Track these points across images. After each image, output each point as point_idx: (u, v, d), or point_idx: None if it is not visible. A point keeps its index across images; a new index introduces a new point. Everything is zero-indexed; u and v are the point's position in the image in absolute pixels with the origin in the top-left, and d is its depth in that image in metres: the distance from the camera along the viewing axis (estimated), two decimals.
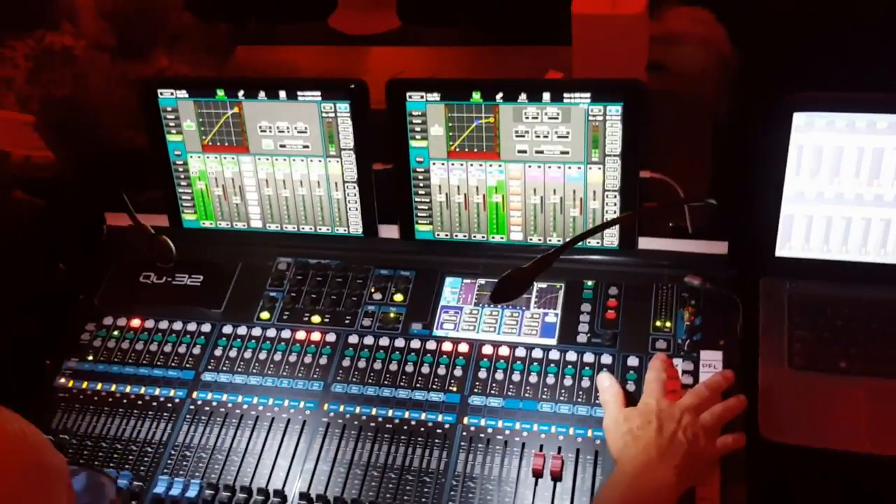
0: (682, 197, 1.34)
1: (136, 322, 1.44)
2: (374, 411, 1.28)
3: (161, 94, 1.44)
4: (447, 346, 1.33)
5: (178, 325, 1.43)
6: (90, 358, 1.41)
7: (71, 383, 1.38)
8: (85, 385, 1.37)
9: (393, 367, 1.32)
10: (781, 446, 1.19)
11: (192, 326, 1.42)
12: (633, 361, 1.27)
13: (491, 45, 2.27)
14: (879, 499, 1.24)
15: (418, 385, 1.30)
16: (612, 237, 1.39)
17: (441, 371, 1.31)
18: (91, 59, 2.34)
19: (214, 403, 1.32)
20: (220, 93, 1.42)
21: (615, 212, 1.37)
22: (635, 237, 1.39)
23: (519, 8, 2.22)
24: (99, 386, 1.37)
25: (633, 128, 1.31)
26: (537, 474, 1.17)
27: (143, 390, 1.35)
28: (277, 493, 1.19)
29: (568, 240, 1.31)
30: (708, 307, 1.31)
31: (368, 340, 1.36)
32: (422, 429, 1.25)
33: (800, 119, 1.25)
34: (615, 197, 1.36)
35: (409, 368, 1.32)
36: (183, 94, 1.43)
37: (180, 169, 1.50)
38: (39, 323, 1.54)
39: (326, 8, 2.48)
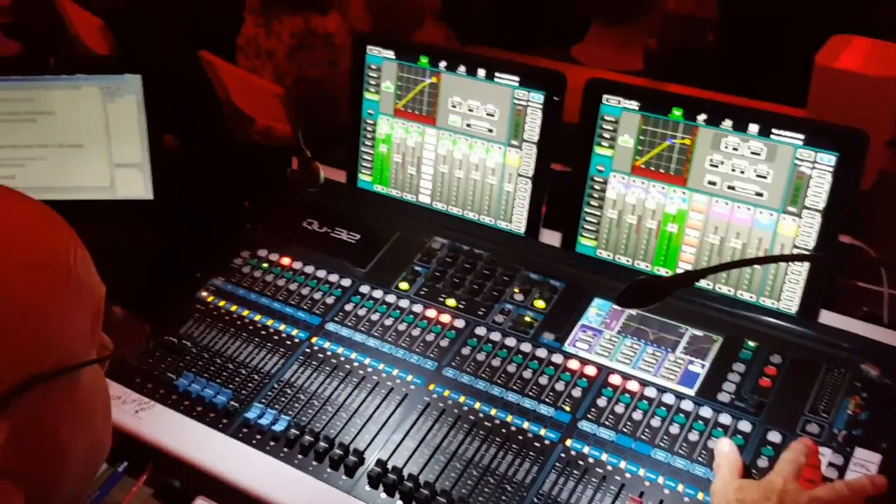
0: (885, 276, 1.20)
1: (286, 260, 1.50)
2: (477, 405, 1.23)
3: (370, 50, 1.51)
4: (573, 364, 1.27)
5: (321, 273, 1.46)
6: (235, 280, 1.47)
7: (211, 298, 1.45)
8: (222, 303, 1.44)
9: (511, 368, 1.27)
10: None
11: (333, 278, 1.45)
12: (773, 437, 1.14)
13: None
14: None
15: (530, 394, 1.24)
16: (790, 301, 1.26)
17: (559, 387, 1.24)
18: (345, 48, 2.50)
19: (329, 353, 1.33)
20: (424, 60, 1.46)
21: (803, 273, 1.25)
22: (817, 307, 1.25)
23: (765, 68, 2.14)
24: (233, 308, 1.43)
25: (844, 183, 1.19)
26: None
27: (269, 322, 1.39)
28: (356, 453, 1.18)
29: (726, 262, 1.21)
30: (880, 404, 1.15)
31: (495, 336, 1.32)
32: (520, 437, 1.18)
33: None
34: None
35: (527, 375, 1.26)
36: (389, 54, 1.49)
37: (369, 129, 1.55)
38: (207, 242, 1.65)
39: (573, 37, 2.50)
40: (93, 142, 1.63)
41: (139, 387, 1.32)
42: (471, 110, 1.44)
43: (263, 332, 1.38)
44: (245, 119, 2.67)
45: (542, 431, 1.19)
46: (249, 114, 2.66)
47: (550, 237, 1.46)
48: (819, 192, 1.21)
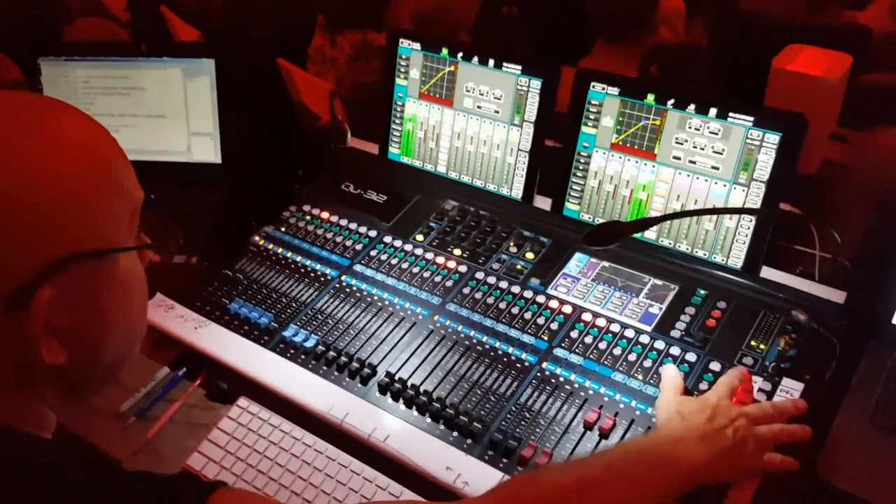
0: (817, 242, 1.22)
1: (325, 214, 1.54)
2: (472, 333, 1.27)
3: (401, 42, 1.54)
4: (554, 304, 1.30)
5: (353, 226, 1.50)
6: (282, 229, 1.52)
7: (262, 242, 1.50)
8: (270, 246, 1.49)
9: (502, 305, 1.31)
10: (834, 489, 1.03)
11: (362, 229, 1.49)
12: (714, 366, 1.16)
13: None
14: None
15: (516, 325, 1.27)
16: (737, 258, 1.28)
17: (540, 321, 1.27)
18: None
19: (355, 288, 1.38)
20: (445, 51, 1.49)
21: (748, 235, 1.26)
22: (759, 263, 1.27)
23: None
24: (279, 250, 1.48)
25: (786, 158, 1.21)
26: (588, 426, 1.11)
27: (308, 262, 1.44)
28: (370, 366, 1.22)
29: (690, 209, 1.23)
30: (806, 343, 1.17)
31: (491, 280, 1.35)
32: (505, 359, 1.22)
33: None
34: (751, 220, 1.26)
35: (515, 311, 1.30)
36: (417, 46, 1.52)
37: (399, 109, 1.59)
38: (262, 200, 1.70)
39: (584, 53, 2.50)
40: (174, 113, 1.70)
41: (199, 309, 1.38)
42: (482, 94, 1.47)
43: (302, 270, 1.43)
44: (312, 116, 2.73)
45: (524, 355, 1.23)
46: (316, 112, 2.72)
47: (543, 202, 1.48)
48: (765, 166, 1.22)
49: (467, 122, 1.51)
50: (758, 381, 1.13)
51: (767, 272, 1.28)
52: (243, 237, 1.53)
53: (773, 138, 1.21)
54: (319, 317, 1.34)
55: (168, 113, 1.70)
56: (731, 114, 1.24)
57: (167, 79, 1.68)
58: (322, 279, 1.41)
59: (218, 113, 1.68)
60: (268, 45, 2.97)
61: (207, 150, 1.71)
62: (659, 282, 1.31)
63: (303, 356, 1.27)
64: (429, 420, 1.15)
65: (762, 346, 1.18)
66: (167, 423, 1.25)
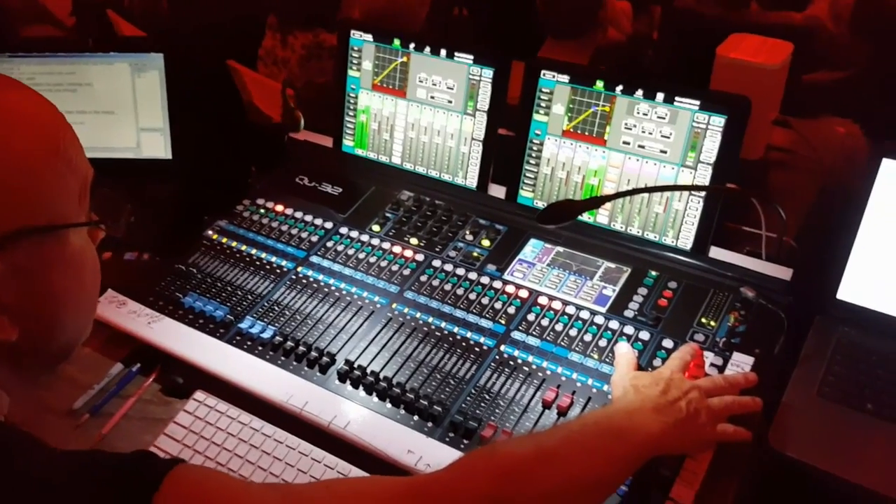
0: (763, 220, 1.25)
1: (279, 207, 1.53)
2: (430, 319, 1.27)
3: (353, 34, 1.54)
4: (510, 289, 1.31)
5: (308, 217, 1.49)
6: (236, 222, 1.50)
7: (215, 236, 1.48)
8: (224, 240, 1.47)
9: (459, 291, 1.31)
10: (785, 457, 1.06)
11: (318, 221, 1.48)
12: (667, 343, 1.19)
13: None
14: None
15: (474, 311, 1.27)
16: (686, 239, 1.31)
17: (497, 305, 1.28)
18: None
19: (311, 279, 1.37)
20: (396, 42, 1.49)
21: (696, 216, 1.29)
22: (708, 244, 1.30)
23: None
24: (234, 243, 1.46)
25: (731, 140, 1.24)
26: (546, 405, 1.12)
27: (263, 255, 1.42)
28: (329, 355, 1.21)
29: (638, 188, 1.26)
30: (755, 319, 1.20)
31: (448, 267, 1.36)
32: (464, 343, 1.22)
33: (888, 166, 1.13)
34: (699, 202, 1.29)
35: (472, 296, 1.30)
36: (369, 37, 1.52)
37: (352, 102, 1.59)
38: (217, 194, 1.68)
39: (534, 50, 2.53)
40: (123, 109, 1.66)
41: (152, 304, 1.35)
42: (434, 84, 1.48)
43: (258, 262, 1.42)
44: (264, 117, 2.71)
45: (482, 339, 1.23)
46: (267, 112, 2.70)
47: (497, 190, 1.49)
48: (711, 148, 1.25)
49: (421, 112, 1.51)
50: (709, 357, 1.16)
51: (716, 252, 1.31)
52: (196, 232, 1.50)
53: (719, 121, 1.24)
54: (276, 308, 1.32)
55: (116, 109, 1.66)
56: (677, 98, 1.27)
57: (115, 74, 1.65)
58: (278, 271, 1.39)
59: (168, 108, 1.66)
60: (217, 46, 2.94)
61: (157, 146, 1.68)
62: (612, 264, 1.33)
63: (260, 347, 1.25)
64: (389, 405, 1.15)
65: (713, 323, 1.21)
66: (122, 420, 1.22)
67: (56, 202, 0.69)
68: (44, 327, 0.71)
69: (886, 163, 1.13)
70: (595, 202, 1.20)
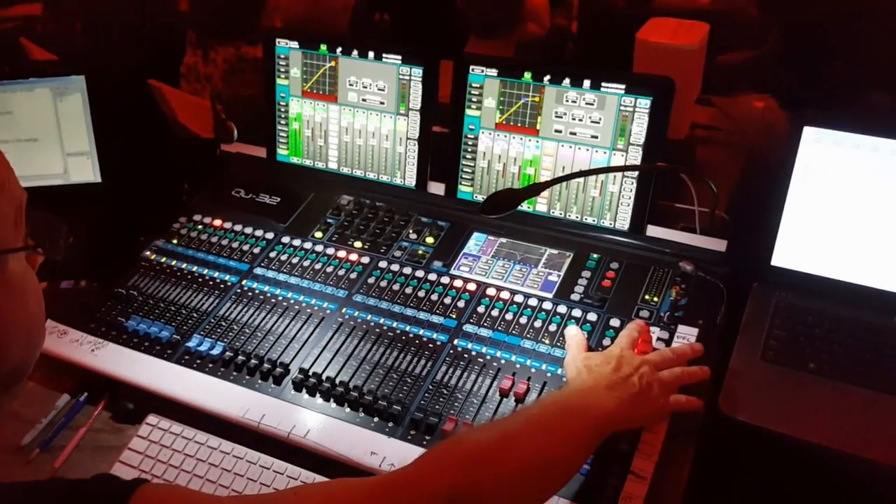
0: (694, 194, 1.29)
1: (217, 221, 1.50)
2: (381, 320, 1.26)
3: (278, 42, 1.53)
4: (458, 283, 1.31)
5: (248, 230, 1.47)
6: (174, 241, 1.47)
7: (153, 256, 1.44)
8: (163, 259, 1.43)
9: (408, 290, 1.31)
10: (736, 422, 1.09)
11: (258, 232, 1.46)
12: (614, 322, 1.21)
13: None
14: (817, 485, 1.12)
15: (424, 308, 1.28)
16: (623, 220, 1.34)
17: (447, 301, 1.29)
18: None
19: (257, 291, 1.34)
20: (324, 47, 1.49)
21: (631, 197, 1.32)
22: (644, 223, 1.33)
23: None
24: (173, 262, 1.42)
25: (658, 121, 1.27)
26: (504, 393, 1.13)
27: (205, 271, 1.39)
28: (282, 365, 1.20)
29: (575, 171, 1.28)
30: (695, 291, 1.23)
31: (395, 267, 1.36)
32: (417, 341, 1.22)
33: (809, 134, 1.18)
34: (633, 183, 1.32)
35: (421, 294, 1.30)
36: (294, 44, 1.51)
37: (282, 110, 1.57)
38: (151, 213, 1.64)
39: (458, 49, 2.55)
40: (47, 135, 1.60)
41: (94, 331, 1.30)
42: (365, 87, 1.48)
43: (200, 280, 1.38)
44: (190, 134, 2.65)
45: (435, 335, 1.23)
46: (193, 129, 2.64)
47: (436, 188, 1.50)
48: (640, 130, 1.29)
49: (354, 115, 1.50)
50: (655, 331, 1.19)
51: (653, 230, 1.35)
52: (133, 254, 1.46)
53: (645, 102, 1.27)
54: (223, 324, 1.29)
55: (40, 135, 1.60)
56: (603, 84, 1.29)
57: (36, 100, 1.59)
58: (222, 286, 1.37)
59: (94, 131, 1.61)
60: (138, 66, 2.86)
61: (86, 170, 1.63)
62: (554, 251, 1.35)
63: (210, 364, 1.23)
64: (348, 409, 1.14)
65: (656, 299, 1.24)
66: (74, 451, 1.17)
67: None
68: None
69: (808, 130, 1.18)
70: (535, 189, 1.22)
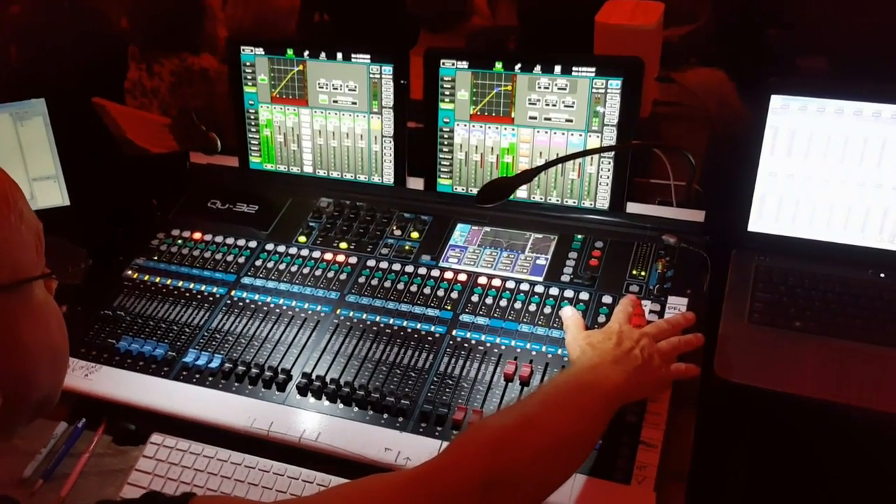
0: (670, 170, 1.32)
1: (197, 235, 1.47)
2: (378, 318, 1.26)
3: (243, 50, 1.51)
4: (449, 275, 1.32)
5: (230, 240, 1.45)
6: (155, 258, 1.44)
7: (136, 275, 1.41)
8: (146, 278, 1.40)
9: (400, 286, 1.32)
10: (731, 384, 1.13)
11: (241, 242, 1.44)
12: (606, 299, 1.24)
13: None
14: (813, 436, 1.17)
15: (419, 302, 1.28)
16: (603, 199, 1.37)
17: (440, 293, 1.29)
18: (220, 79, 2.47)
19: (247, 301, 1.33)
20: (290, 52, 1.47)
21: (609, 176, 1.35)
22: (624, 201, 1.36)
23: None
24: (157, 279, 1.40)
25: (630, 100, 1.30)
26: (508, 378, 1.14)
27: (191, 286, 1.37)
28: (284, 371, 1.19)
29: (562, 156, 1.30)
30: (680, 262, 1.27)
31: (383, 265, 1.36)
32: (416, 336, 1.23)
33: (776, 102, 1.22)
34: (609, 163, 1.34)
35: (414, 289, 1.31)
36: (260, 51, 1.49)
37: (252, 117, 1.55)
38: (125, 232, 1.60)
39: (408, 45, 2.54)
40: (9, 162, 1.55)
41: (85, 355, 1.27)
42: (335, 88, 1.47)
43: (187, 294, 1.36)
44: (140, 151, 2.59)
45: (432, 328, 1.24)
46: (143, 146, 2.58)
47: (416, 183, 1.50)
48: (612, 111, 1.31)
49: (326, 118, 1.49)
50: (647, 304, 1.22)
51: (632, 207, 1.37)
52: (114, 274, 1.43)
53: (616, 83, 1.30)
54: (218, 336, 1.28)
55: (2, 162, 1.54)
56: (574, 68, 1.31)
57: None
58: (210, 299, 1.35)
59: (58, 153, 1.56)
60: (79, 86, 2.79)
61: (53, 194, 1.58)
62: (539, 235, 1.37)
63: (210, 378, 1.21)
64: (356, 409, 1.14)
65: (643, 273, 1.27)
66: (79, 479, 1.15)
67: (15, 257, 0.65)
68: (22, 386, 0.67)
69: (775, 98, 1.21)
70: (527, 175, 1.24)
